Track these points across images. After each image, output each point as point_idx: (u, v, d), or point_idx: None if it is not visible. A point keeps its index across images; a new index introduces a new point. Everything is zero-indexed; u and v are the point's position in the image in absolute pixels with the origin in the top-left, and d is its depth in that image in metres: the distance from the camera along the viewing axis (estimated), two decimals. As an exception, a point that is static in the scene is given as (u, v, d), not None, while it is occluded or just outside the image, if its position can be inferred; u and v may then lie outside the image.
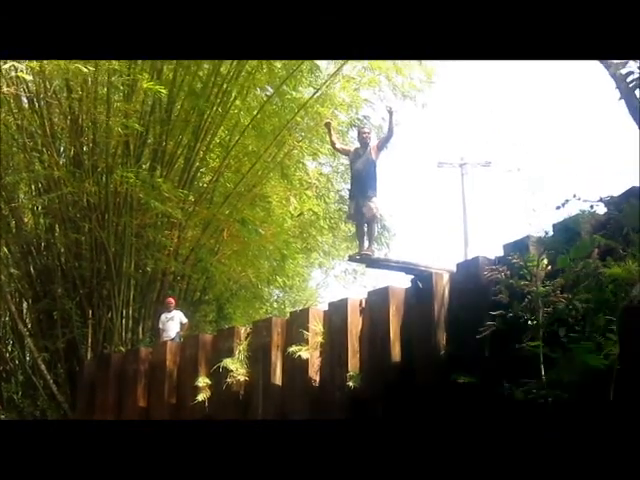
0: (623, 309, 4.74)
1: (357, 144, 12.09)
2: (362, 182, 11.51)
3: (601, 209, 7.56)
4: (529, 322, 7.43)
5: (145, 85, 15.24)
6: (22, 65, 14.50)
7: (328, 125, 12.80)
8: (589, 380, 5.67)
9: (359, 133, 12.20)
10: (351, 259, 12.98)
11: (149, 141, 18.62)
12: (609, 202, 7.47)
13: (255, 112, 18.68)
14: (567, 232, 7.46)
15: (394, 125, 11.89)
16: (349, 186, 12.72)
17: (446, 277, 9.67)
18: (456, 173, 30.93)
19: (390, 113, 11.86)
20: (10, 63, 14.73)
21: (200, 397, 12.29)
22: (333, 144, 12.63)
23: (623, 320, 4.71)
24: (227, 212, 18.75)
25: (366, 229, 11.58)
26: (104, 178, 17.69)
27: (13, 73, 15.61)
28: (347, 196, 13.32)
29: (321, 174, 21.74)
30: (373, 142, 11.89)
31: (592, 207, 7.46)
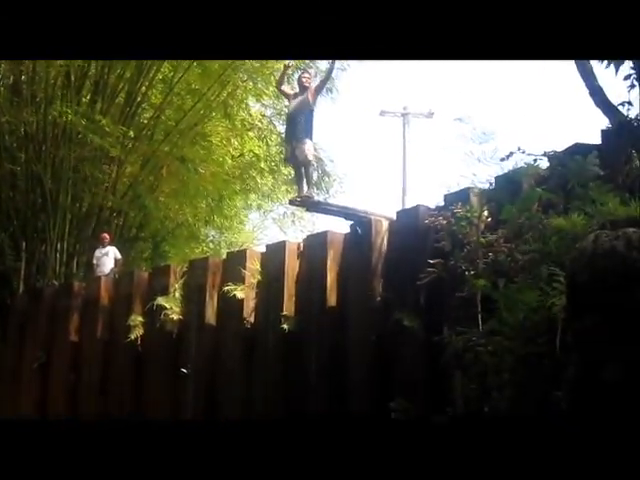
0: (573, 259, 4.78)
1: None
2: (296, 125, 11.41)
3: (544, 163, 7.61)
4: (467, 272, 7.48)
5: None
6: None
7: (286, 67, 12.58)
8: (529, 326, 5.74)
9: (299, 77, 12.07)
10: (291, 202, 12.94)
11: (90, 73, 18.21)
12: (552, 157, 7.51)
13: (200, 49, 18.35)
14: (509, 185, 7.50)
15: (333, 71, 12.47)
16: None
17: (385, 224, 9.70)
18: (398, 122, 30.77)
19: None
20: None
21: (133, 335, 12.22)
22: (279, 84, 12.44)
23: (573, 271, 4.75)
24: (167, 149, 18.51)
25: (303, 172, 11.50)
26: (43, 108, 17.35)
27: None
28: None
29: (264, 116, 21.57)
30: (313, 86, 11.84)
31: (535, 161, 7.49)
